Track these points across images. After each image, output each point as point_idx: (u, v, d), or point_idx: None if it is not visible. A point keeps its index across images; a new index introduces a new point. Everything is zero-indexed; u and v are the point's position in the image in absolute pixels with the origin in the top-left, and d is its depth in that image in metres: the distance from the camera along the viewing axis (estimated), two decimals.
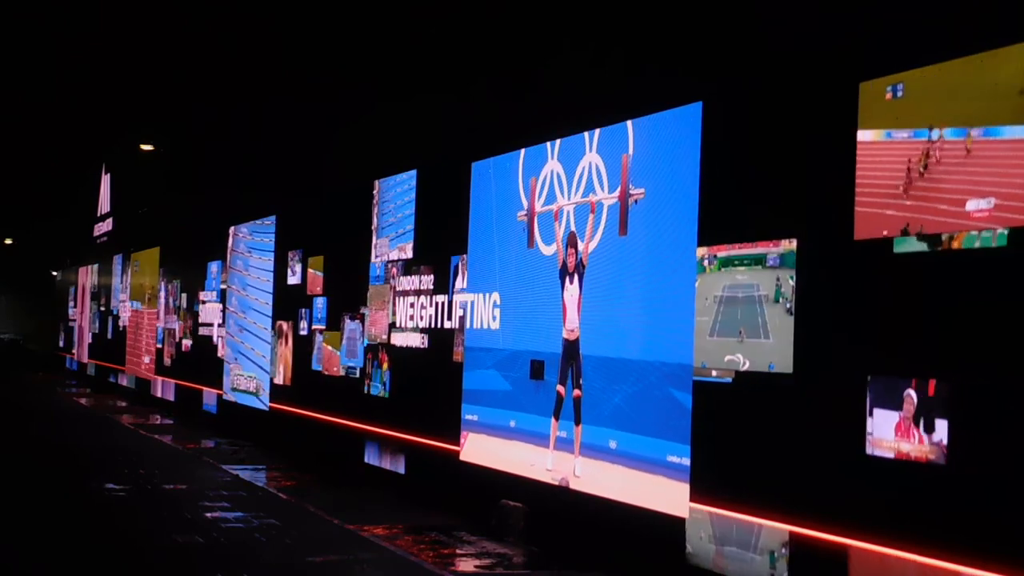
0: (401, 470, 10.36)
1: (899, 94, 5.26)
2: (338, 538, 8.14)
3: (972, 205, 4.82)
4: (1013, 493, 4.50)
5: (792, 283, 5.80)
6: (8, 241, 40.97)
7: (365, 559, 7.40)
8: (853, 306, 5.39)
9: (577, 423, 7.70)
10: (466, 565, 7.46)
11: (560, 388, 7.93)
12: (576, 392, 7.74)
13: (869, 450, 5.17)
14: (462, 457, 9.16)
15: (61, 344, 33.75)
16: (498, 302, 8.81)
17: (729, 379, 6.20)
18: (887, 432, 5.09)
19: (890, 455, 5.06)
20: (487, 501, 8.61)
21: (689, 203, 6.68)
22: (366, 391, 11.17)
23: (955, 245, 4.88)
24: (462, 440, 9.18)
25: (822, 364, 5.57)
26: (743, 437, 6.12)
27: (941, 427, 4.83)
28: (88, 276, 28.73)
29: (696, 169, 6.65)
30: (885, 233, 5.24)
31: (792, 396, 5.72)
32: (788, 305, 5.83)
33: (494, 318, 8.83)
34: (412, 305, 10.26)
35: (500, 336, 8.78)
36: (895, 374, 5.07)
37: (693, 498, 6.42)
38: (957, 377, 4.79)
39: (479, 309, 9.07)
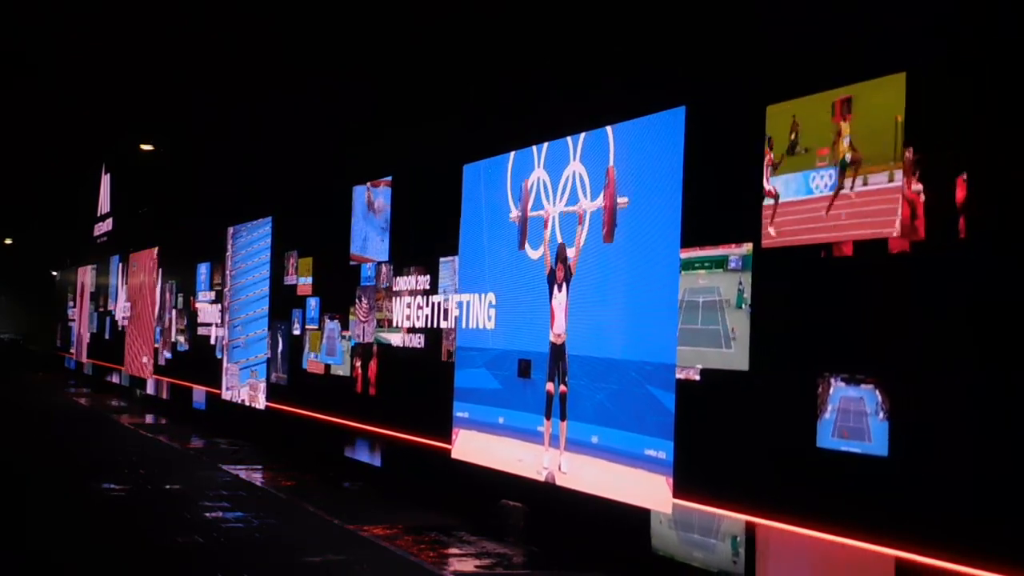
0: (401, 469, 10.37)
1: (796, 119, 5.73)
2: (338, 538, 8.14)
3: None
4: (948, 482, 4.74)
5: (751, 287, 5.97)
6: (8, 241, 40.97)
7: (365, 559, 7.40)
8: (803, 308, 5.66)
9: (562, 419, 7.77)
10: (466, 565, 7.46)
11: (549, 386, 7.98)
12: (562, 388, 7.82)
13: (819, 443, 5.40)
14: (454, 455, 9.20)
15: (58, 344, 33.80)
16: (493, 302, 8.83)
17: (697, 377, 6.36)
18: (835, 427, 5.34)
19: (838, 448, 5.31)
20: (487, 500, 8.62)
21: (673, 206, 6.72)
22: (358, 390, 11.20)
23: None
24: (453, 437, 9.21)
25: (777, 364, 5.79)
26: (713, 432, 6.31)
27: (883, 422, 5.04)
28: (87, 276, 28.74)
29: (679, 173, 6.70)
30: (810, 240, 5.55)
31: (750, 394, 5.94)
32: (751, 311, 5.96)
33: (489, 318, 8.85)
34: (409, 305, 10.26)
35: (491, 336, 8.82)
36: (842, 373, 5.30)
37: (675, 493, 6.52)
38: (896, 376, 5.00)
39: (474, 309, 9.09)
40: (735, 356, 6.03)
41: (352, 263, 11.60)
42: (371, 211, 11.28)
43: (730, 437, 6.12)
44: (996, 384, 4.57)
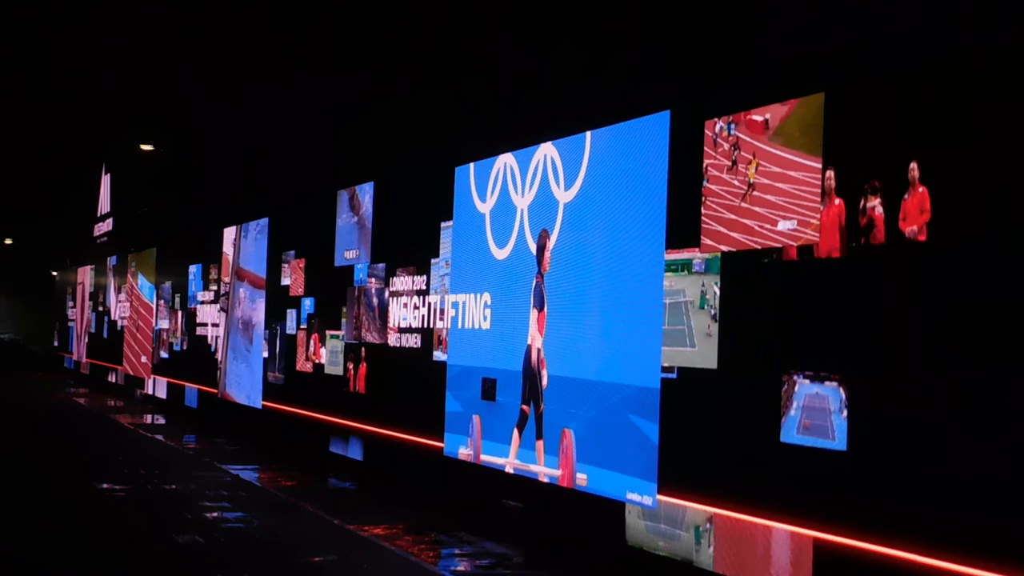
0: (401, 469, 10.37)
1: (732, 131, 6.17)
2: (338, 538, 8.14)
3: (782, 225, 5.73)
4: (902, 475, 5.01)
5: (716, 289, 6.20)
6: (8, 241, 40.96)
7: (365, 559, 7.40)
8: (766, 311, 5.91)
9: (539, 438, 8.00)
10: (466, 565, 7.46)
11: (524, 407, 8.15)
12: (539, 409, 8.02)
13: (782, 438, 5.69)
14: (446, 453, 9.25)
15: (56, 344, 33.82)
16: (489, 302, 8.85)
17: (674, 375, 6.57)
18: (799, 424, 5.56)
19: (799, 443, 5.53)
20: (487, 500, 8.62)
21: (658, 211, 6.79)
22: (355, 390, 11.22)
23: (789, 257, 5.72)
24: (445, 437, 9.27)
25: (742, 365, 6.03)
26: (687, 427, 6.51)
27: (842, 419, 5.29)
28: (87, 276, 28.74)
29: (664, 176, 6.76)
30: (756, 246, 5.94)
31: (719, 391, 6.20)
32: (713, 312, 6.21)
33: (485, 318, 8.87)
34: (406, 306, 10.28)
35: (487, 335, 8.88)
36: (802, 372, 5.54)
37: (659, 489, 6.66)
38: (851, 375, 5.29)
39: (470, 309, 9.11)
40: (699, 355, 6.31)
41: (345, 264, 11.66)
42: (363, 212, 11.35)
43: (701, 432, 6.35)
44: (949, 384, 4.80)
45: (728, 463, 6.10)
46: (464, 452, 8.58)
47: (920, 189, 4.95)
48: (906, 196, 5.01)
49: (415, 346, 10.02)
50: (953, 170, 4.86)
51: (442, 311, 9.62)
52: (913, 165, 4.99)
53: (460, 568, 7.36)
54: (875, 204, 5.16)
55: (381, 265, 10.87)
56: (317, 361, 12.34)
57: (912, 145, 5.05)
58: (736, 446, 6.04)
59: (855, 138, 5.39)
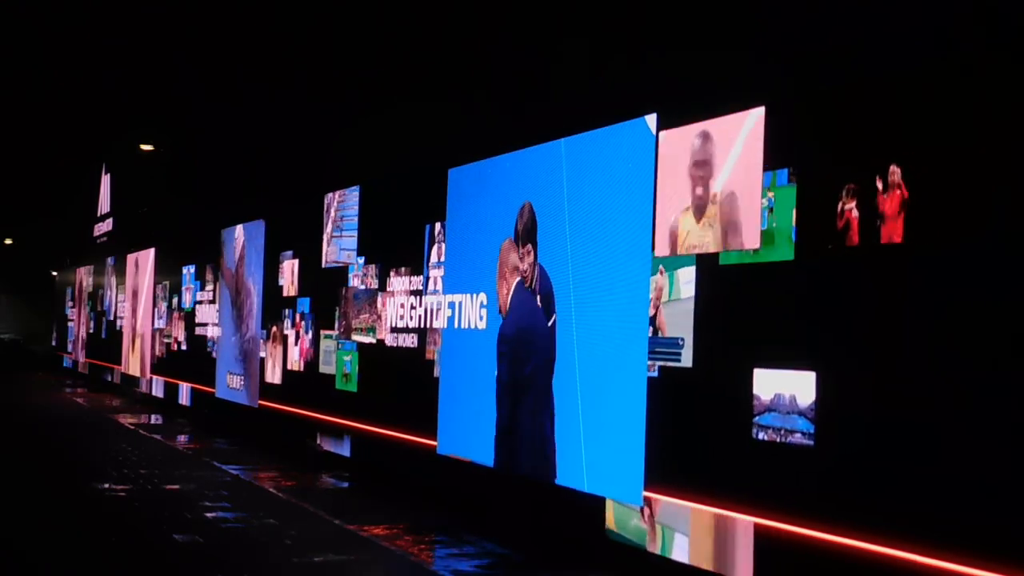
0: (401, 470, 10.37)
1: (697, 140, 6.35)
2: (338, 538, 8.14)
3: (741, 230, 5.92)
4: (869, 470, 5.10)
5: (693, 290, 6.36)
6: (8, 241, 40.98)
7: (365, 559, 7.40)
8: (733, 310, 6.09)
9: None
10: (467, 565, 7.46)
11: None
12: None
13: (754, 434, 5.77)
14: (440, 451, 9.30)
15: (54, 344, 33.82)
16: (485, 302, 8.85)
17: (655, 373, 6.67)
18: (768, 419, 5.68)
19: (769, 439, 5.64)
20: (486, 500, 8.63)
21: (645, 218, 6.81)
22: (354, 390, 11.25)
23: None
24: (440, 436, 9.31)
25: (717, 363, 6.13)
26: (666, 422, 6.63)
27: (810, 416, 5.42)
28: (86, 276, 28.75)
29: (651, 181, 6.78)
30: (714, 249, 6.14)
31: (695, 389, 6.34)
32: (694, 313, 6.36)
33: (481, 318, 8.87)
34: (403, 305, 10.30)
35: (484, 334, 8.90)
36: (774, 369, 5.66)
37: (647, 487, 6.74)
38: (819, 372, 5.39)
39: (467, 309, 9.13)
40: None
41: (340, 264, 11.69)
42: (356, 214, 11.42)
43: (679, 427, 6.47)
44: (923, 382, 4.88)
45: (704, 456, 6.21)
46: None
47: (895, 193, 4.98)
48: (879, 198, 5.07)
49: (411, 346, 10.02)
50: (925, 176, 4.90)
51: (437, 310, 9.64)
52: (892, 168, 5.03)
53: (461, 568, 7.36)
54: (851, 206, 5.22)
55: (375, 265, 10.89)
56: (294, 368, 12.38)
57: (875, 152, 5.11)
58: (711, 440, 6.14)
59: (814, 145, 5.52)
